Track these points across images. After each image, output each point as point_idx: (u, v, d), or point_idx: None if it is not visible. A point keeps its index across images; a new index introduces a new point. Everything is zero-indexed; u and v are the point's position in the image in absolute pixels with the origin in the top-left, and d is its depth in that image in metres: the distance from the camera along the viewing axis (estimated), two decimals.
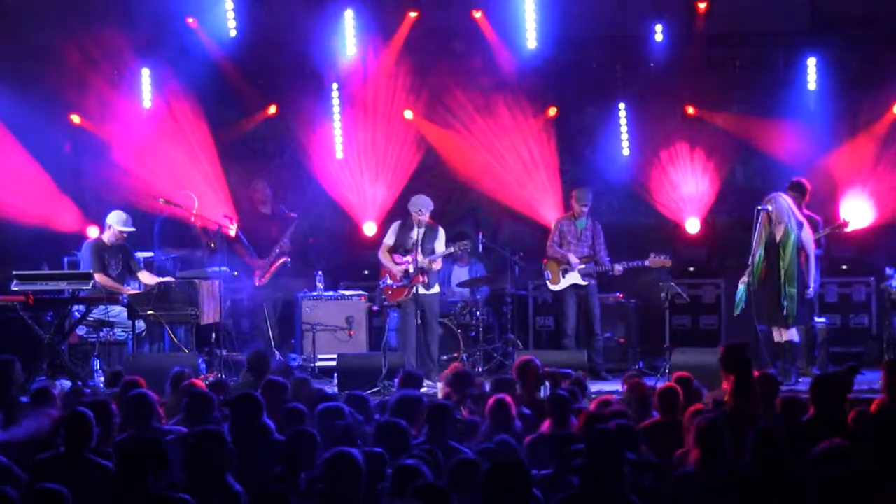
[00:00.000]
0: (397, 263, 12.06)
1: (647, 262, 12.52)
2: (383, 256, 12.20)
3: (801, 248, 11.03)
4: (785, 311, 11.01)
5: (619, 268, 12.58)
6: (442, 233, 12.23)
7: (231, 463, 6.13)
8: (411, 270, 11.97)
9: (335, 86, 14.60)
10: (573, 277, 12.64)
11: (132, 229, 12.15)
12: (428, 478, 5.77)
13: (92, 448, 6.62)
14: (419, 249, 11.97)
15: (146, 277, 12.07)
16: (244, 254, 12.99)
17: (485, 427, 7.49)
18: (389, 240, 12.20)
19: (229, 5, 14.17)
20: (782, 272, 10.99)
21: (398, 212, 13.76)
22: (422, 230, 12.04)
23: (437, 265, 12.11)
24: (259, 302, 13.10)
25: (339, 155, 14.69)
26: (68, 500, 5.40)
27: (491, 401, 7.54)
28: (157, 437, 6.72)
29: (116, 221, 12.03)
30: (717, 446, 6.19)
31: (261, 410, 7.17)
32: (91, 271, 11.52)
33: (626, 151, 14.60)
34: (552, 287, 12.77)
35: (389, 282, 12.07)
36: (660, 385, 8.40)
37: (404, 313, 12.11)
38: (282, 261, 13.17)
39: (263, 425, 7.17)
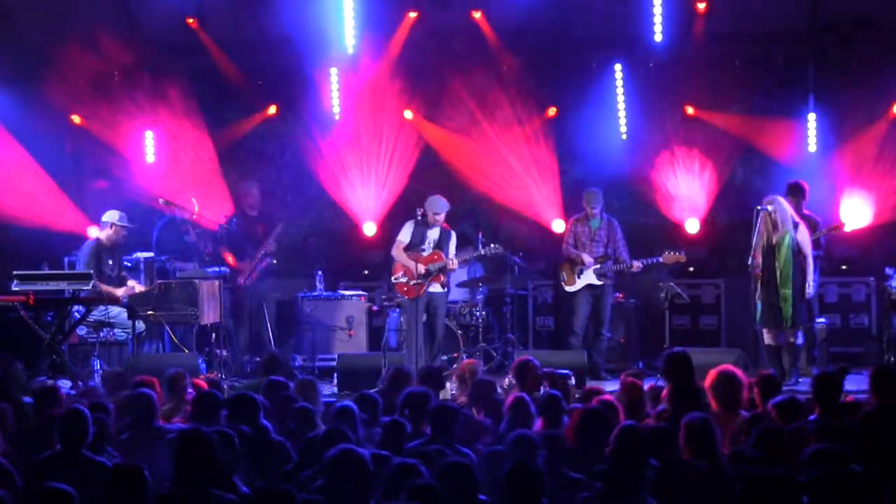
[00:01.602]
0: (417, 262, 11.85)
1: (661, 259, 12.52)
2: (398, 253, 11.99)
3: (797, 249, 11.02)
4: (782, 314, 11.01)
5: (637, 264, 12.51)
6: (454, 237, 12.18)
7: (238, 464, 6.09)
8: (433, 270, 11.90)
9: (335, 86, 14.60)
10: (588, 277, 12.59)
11: (130, 225, 12.18)
12: (425, 476, 5.76)
13: (89, 445, 6.62)
14: (446, 252, 11.93)
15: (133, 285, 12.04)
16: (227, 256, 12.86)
17: (503, 426, 7.51)
18: (405, 237, 12.01)
19: (229, 5, 14.17)
20: (778, 274, 10.99)
21: (398, 212, 13.77)
22: (436, 231, 12.03)
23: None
24: (242, 303, 13.02)
25: (339, 155, 14.67)
26: (75, 500, 5.39)
27: (510, 399, 7.57)
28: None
29: (118, 218, 12.04)
30: (709, 445, 6.19)
31: (258, 411, 7.16)
32: (90, 272, 11.51)
33: (625, 151, 14.58)
34: (567, 288, 12.68)
35: (404, 279, 11.89)
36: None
37: (410, 311, 11.93)
38: (266, 263, 13.08)
39: (261, 426, 7.16)
